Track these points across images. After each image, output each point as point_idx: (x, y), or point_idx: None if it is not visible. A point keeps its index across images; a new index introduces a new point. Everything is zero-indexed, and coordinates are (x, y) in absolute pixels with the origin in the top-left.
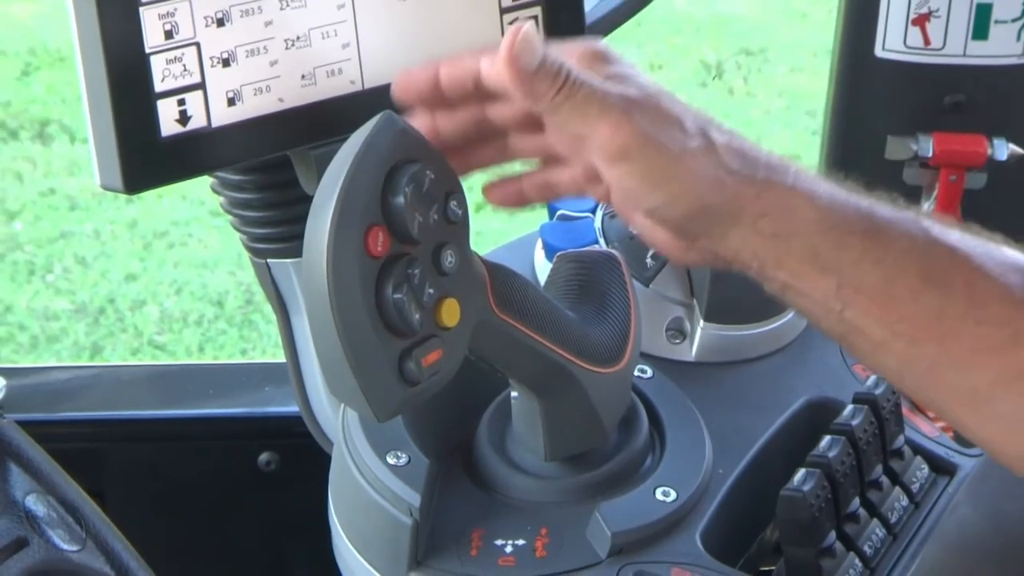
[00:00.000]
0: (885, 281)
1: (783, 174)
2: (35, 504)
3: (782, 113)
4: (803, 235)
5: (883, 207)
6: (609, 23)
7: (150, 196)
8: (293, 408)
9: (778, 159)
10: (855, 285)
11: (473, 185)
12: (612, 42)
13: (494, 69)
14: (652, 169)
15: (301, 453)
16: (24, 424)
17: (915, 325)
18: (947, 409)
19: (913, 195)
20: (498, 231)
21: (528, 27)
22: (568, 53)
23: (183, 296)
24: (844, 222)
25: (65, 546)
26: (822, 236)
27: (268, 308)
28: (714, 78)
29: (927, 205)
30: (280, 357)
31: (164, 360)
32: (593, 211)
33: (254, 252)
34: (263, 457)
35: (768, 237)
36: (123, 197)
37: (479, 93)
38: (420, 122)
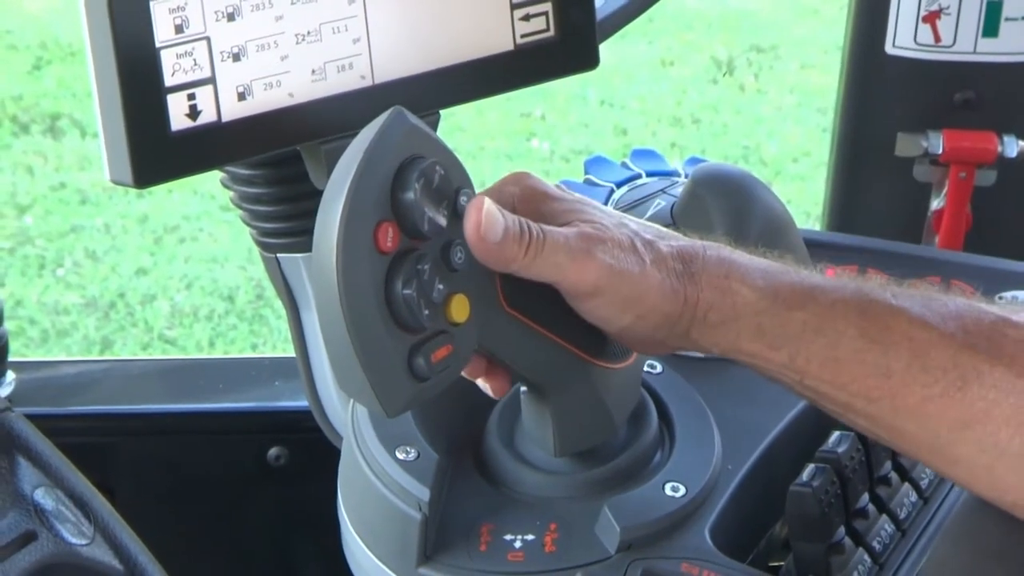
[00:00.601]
0: (829, 347)
1: (717, 263)
2: (44, 498)
3: (793, 110)
4: (746, 318)
5: (815, 276)
6: (619, 19)
7: (160, 191)
8: (303, 403)
9: (711, 247)
10: (805, 355)
11: (483, 182)
12: (622, 39)
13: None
14: (619, 298)
15: (310, 448)
16: (34, 418)
17: (867, 384)
18: (918, 457)
19: (923, 192)
20: None
21: (487, 203)
22: (507, 199)
23: (193, 291)
24: (780, 297)
25: (74, 540)
26: (763, 315)
27: (278, 303)
28: (725, 75)
29: (937, 202)
30: (290, 351)
31: (174, 355)
32: (606, 202)
33: (264, 247)
34: (272, 451)
35: (718, 326)
36: (133, 192)
37: None
38: None
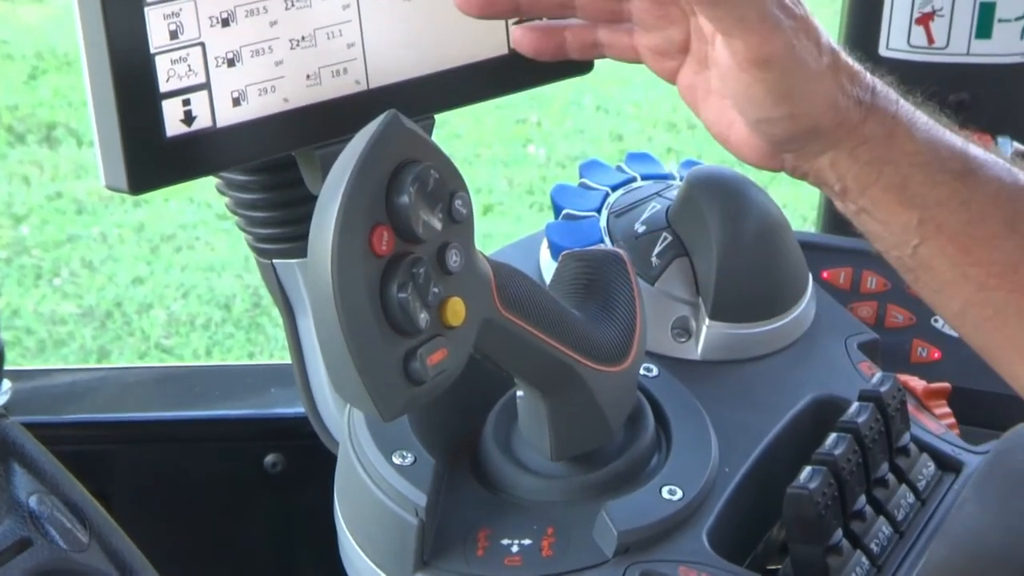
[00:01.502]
0: (968, 223)
1: (887, 101)
2: (39, 505)
3: None
4: (897, 165)
5: (976, 148)
6: None
7: (157, 199)
8: (299, 409)
9: (884, 86)
10: (937, 223)
11: (480, 188)
12: None
13: None
14: (786, 83)
15: (307, 454)
16: (30, 427)
17: (989, 271)
18: (1002, 358)
19: None
20: (506, 233)
21: None
22: None
23: (190, 300)
24: (938, 159)
25: (69, 547)
26: (915, 169)
27: (275, 312)
28: None
29: None
30: (286, 359)
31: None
32: (598, 210)
33: (259, 252)
34: (269, 458)
35: (862, 163)
36: (130, 201)
37: None
38: None
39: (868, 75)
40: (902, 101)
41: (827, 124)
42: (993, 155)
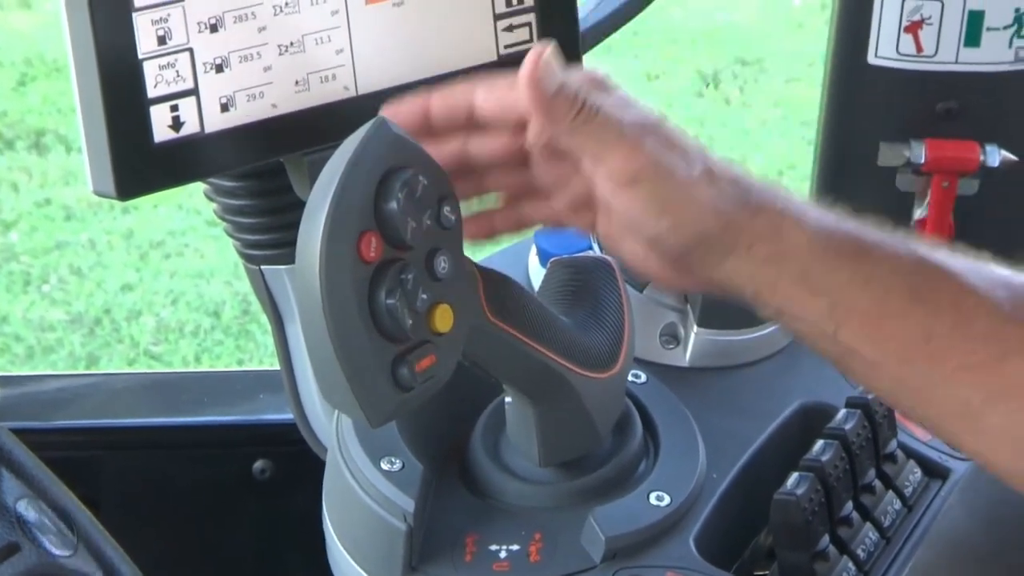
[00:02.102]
0: (874, 301)
1: (773, 199)
2: (26, 509)
3: (778, 123)
4: (794, 259)
5: (870, 229)
6: (603, 30)
7: (146, 206)
8: (287, 415)
9: (768, 185)
10: (846, 306)
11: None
12: (608, 53)
13: (488, 101)
14: (659, 195)
15: (296, 460)
16: (18, 432)
17: (905, 344)
18: (940, 425)
19: (906, 202)
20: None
21: (549, 50)
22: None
23: (179, 306)
24: (832, 244)
25: (57, 551)
26: (812, 258)
27: (265, 319)
28: (708, 85)
29: (919, 211)
30: (275, 365)
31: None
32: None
33: (248, 259)
34: (258, 465)
35: (761, 262)
36: (119, 207)
37: (467, 125)
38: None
39: (752, 177)
40: (790, 196)
41: (713, 229)
42: (892, 234)
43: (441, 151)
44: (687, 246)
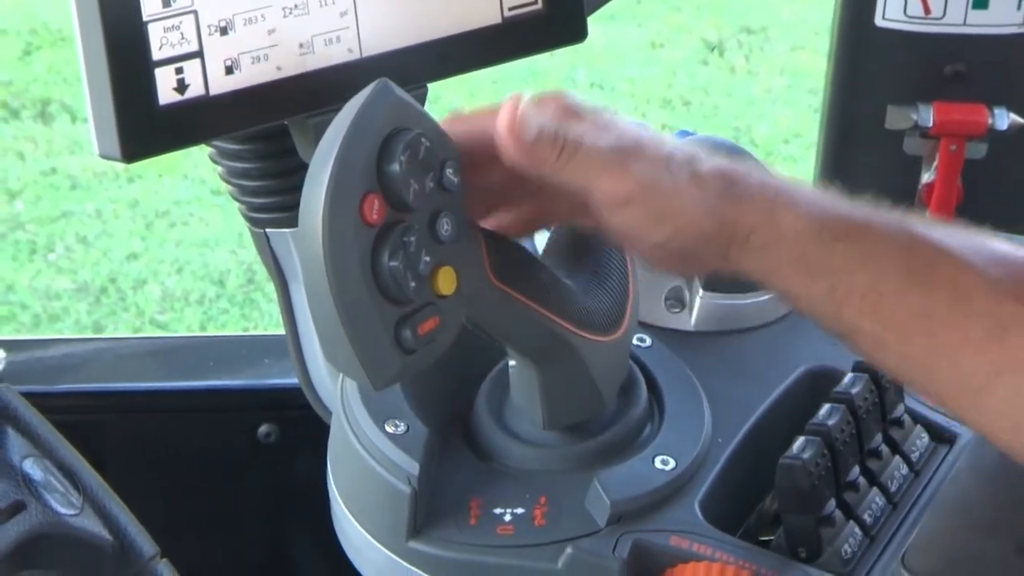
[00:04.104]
0: (871, 281)
1: (763, 187)
2: (32, 468)
3: (783, 91)
4: (790, 244)
5: (864, 209)
6: None
7: (151, 175)
8: (292, 380)
9: (758, 173)
10: (845, 287)
11: None
12: (612, 21)
13: (458, 130)
14: (653, 211)
15: (300, 425)
16: (25, 396)
17: (905, 322)
18: (945, 400)
19: (913, 166)
20: None
21: (525, 102)
22: (542, 111)
23: (184, 275)
24: (827, 226)
25: (62, 510)
26: (808, 242)
27: (269, 287)
28: (713, 51)
29: (927, 175)
30: (279, 330)
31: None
32: None
33: (252, 222)
34: (263, 429)
35: (760, 250)
36: (124, 176)
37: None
38: None
39: (736, 165)
40: (780, 179)
41: (709, 228)
42: (886, 213)
43: None
44: (689, 247)
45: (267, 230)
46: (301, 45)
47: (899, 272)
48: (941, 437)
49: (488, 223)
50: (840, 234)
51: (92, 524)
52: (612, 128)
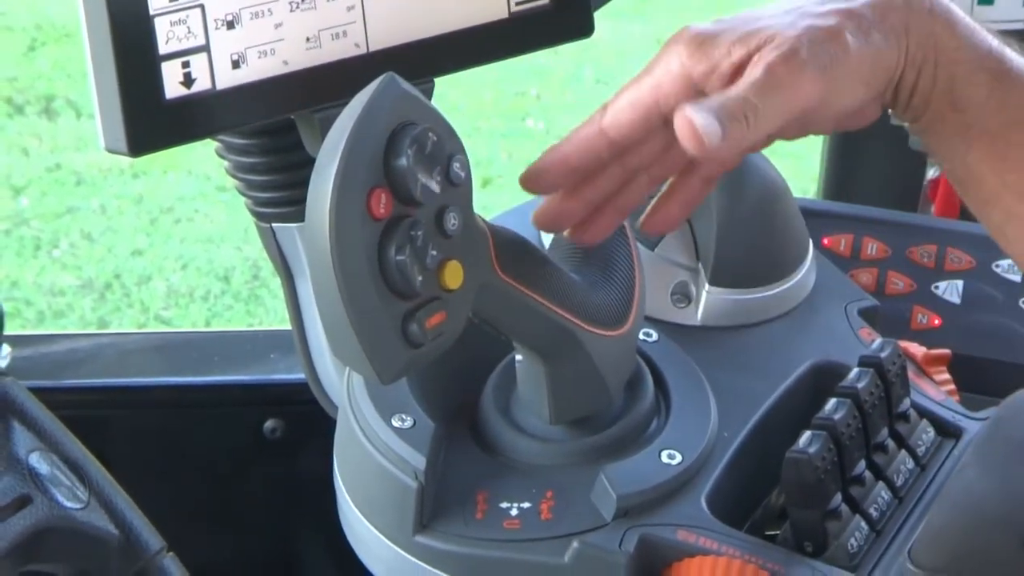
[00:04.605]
0: (1005, 126)
1: (920, 6)
2: (38, 462)
3: None
4: (942, 64)
5: (1012, 52)
6: None
7: (156, 171)
8: (298, 375)
9: None
10: (980, 127)
11: (479, 161)
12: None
13: (619, 125)
14: (848, 82)
15: (306, 420)
16: (30, 391)
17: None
18: None
19: (919, 161)
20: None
21: (694, 114)
22: (676, 60)
23: (189, 271)
24: (977, 56)
25: (68, 504)
26: (957, 67)
27: (275, 283)
28: None
29: (933, 171)
30: (285, 325)
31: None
32: None
33: (259, 216)
34: (268, 424)
35: (916, 67)
36: (129, 172)
37: (611, 154)
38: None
39: None
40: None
41: (891, 62)
42: None
43: (607, 184)
44: (887, 86)
45: (273, 225)
46: (308, 39)
47: None
48: (947, 431)
49: (654, 221)
50: (988, 69)
51: (98, 518)
52: (753, 40)
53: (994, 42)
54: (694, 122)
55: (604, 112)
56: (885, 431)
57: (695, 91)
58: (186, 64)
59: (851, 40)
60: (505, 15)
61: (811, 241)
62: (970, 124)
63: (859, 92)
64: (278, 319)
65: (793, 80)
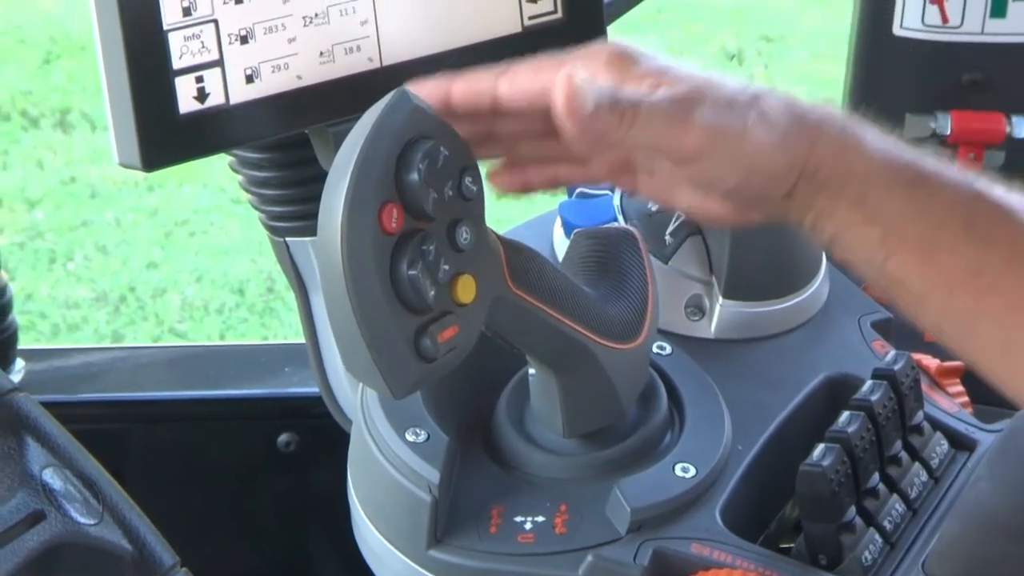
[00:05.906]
0: (928, 233)
1: (831, 123)
2: (52, 478)
3: None
4: (853, 182)
5: (930, 159)
6: (627, 1)
7: (171, 184)
8: (312, 389)
9: (824, 107)
10: (899, 235)
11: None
12: (632, 30)
13: (513, 92)
14: (725, 159)
15: (321, 433)
16: (44, 405)
17: (954, 278)
18: (981, 361)
19: None
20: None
21: (577, 76)
22: (593, 61)
23: (204, 284)
24: (891, 171)
25: (82, 520)
26: (870, 183)
27: (289, 296)
28: (732, 60)
29: None
30: (300, 339)
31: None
32: (612, 188)
33: (273, 231)
34: (283, 438)
35: (823, 185)
36: (144, 185)
37: (491, 112)
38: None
39: (801, 100)
40: (848, 120)
41: (782, 165)
42: (951, 166)
43: (464, 130)
44: (761, 189)
45: (287, 239)
46: (321, 54)
47: (957, 226)
48: (961, 444)
49: (510, 176)
50: (903, 180)
51: (111, 534)
52: (669, 77)
53: (910, 153)
54: (574, 79)
55: (508, 70)
56: (899, 443)
57: None
58: (200, 79)
59: (751, 126)
60: (519, 29)
61: (824, 254)
62: (887, 233)
63: (738, 174)
64: (292, 332)
65: (682, 120)
